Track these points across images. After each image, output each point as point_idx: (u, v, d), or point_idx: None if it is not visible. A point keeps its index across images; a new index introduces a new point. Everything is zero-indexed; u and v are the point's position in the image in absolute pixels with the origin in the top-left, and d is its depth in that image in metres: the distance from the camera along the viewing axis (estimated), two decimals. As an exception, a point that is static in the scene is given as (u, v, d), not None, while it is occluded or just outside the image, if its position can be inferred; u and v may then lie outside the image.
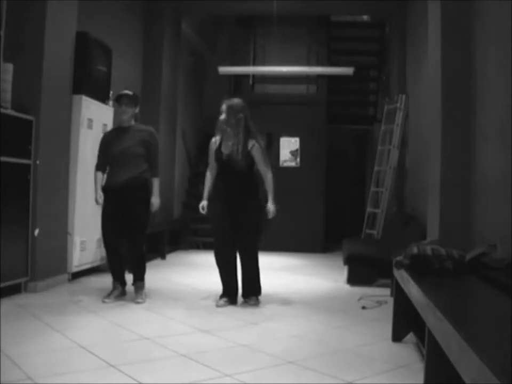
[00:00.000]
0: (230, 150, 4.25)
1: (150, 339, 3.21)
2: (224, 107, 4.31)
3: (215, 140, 4.39)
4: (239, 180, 4.25)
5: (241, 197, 4.24)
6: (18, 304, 3.99)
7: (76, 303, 4.15)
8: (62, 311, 3.93)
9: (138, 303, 4.20)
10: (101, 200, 4.32)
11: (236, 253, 4.33)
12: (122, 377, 2.52)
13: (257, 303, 4.29)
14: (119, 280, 4.36)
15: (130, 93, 4.41)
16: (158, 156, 4.46)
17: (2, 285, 4.01)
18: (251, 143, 4.26)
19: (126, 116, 4.34)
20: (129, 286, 4.42)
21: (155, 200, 4.37)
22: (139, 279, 4.39)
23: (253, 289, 4.35)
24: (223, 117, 4.30)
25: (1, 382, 2.36)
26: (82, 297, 4.35)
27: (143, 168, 4.30)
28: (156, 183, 4.41)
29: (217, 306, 4.20)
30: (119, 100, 4.36)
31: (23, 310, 3.81)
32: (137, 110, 4.44)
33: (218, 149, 4.32)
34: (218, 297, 4.33)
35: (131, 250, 4.38)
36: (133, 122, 4.41)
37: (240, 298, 4.36)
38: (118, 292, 4.33)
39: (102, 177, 4.38)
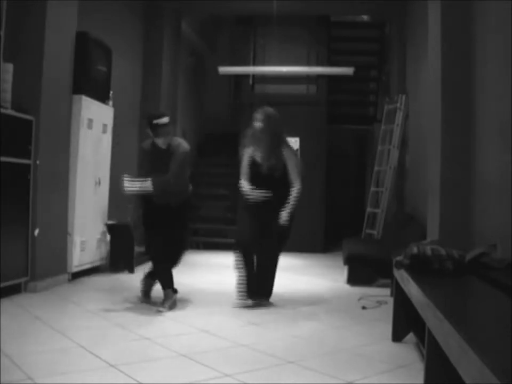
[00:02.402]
0: (267, 161, 4.20)
1: (150, 339, 3.21)
2: (260, 116, 4.21)
3: (249, 151, 4.30)
4: (275, 193, 4.16)
5: (275, 210, 4.18)
6: (18, 304, 3.99)
7: (76, 304, 4.15)
8: (62, 311, 3.93)
9: (159, 311, 3.92)
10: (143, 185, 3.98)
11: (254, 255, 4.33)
12: (122, 377, 2.52)
13: (269, 304, 4.28)
14: (171, 287, 4.11)
15: (166, 121, 4.06)
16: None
17: (2, 285, 4.01)
18: (284, 152, 4.24)
19: (164, 145, 4.09)
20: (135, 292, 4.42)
21: None
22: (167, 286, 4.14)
23: (268, 291, 4.36)
24: (259, 125, 4.19)
25: (1, 382, 2.36)
26: (82, 297, 4.35)
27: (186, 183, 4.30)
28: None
29: (246, 307, 4.18)
30: (154, 131, 4.03)
31: (23, 310, 3.81)
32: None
33: (254, 160, 4.27)
34: (243, 297, 4.26)
35: (171, 258, 4.22)
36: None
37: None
38: (172, 300, 4.06)
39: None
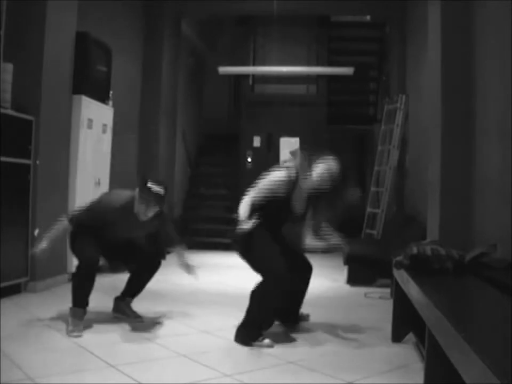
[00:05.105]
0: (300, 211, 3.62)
1: (150, 339, 3.21)
2: (324, 171, 3.55)
3: (291, 172, 3.65)
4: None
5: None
6: (18, 304, 3.99)
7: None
8: (62, 311, 3.92)
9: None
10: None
11: None
12: (122, 377, 2.52)
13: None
14: (86, 306, 3.47)
15: (162, 191, 3.35)
16: (172, 229, 3.82)
17: (2, 285, 4.01)
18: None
19: (150, 215, 3.43)
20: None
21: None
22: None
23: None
24: (318, 179, 3.55)
25: (1, 382, 2.36)
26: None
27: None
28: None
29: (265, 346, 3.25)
30: (152, 198, 3.33)
31: (23, 310, 3.81)
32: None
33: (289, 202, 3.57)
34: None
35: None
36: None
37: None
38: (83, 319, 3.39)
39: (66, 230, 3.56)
